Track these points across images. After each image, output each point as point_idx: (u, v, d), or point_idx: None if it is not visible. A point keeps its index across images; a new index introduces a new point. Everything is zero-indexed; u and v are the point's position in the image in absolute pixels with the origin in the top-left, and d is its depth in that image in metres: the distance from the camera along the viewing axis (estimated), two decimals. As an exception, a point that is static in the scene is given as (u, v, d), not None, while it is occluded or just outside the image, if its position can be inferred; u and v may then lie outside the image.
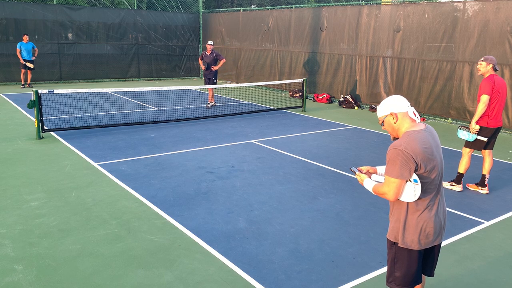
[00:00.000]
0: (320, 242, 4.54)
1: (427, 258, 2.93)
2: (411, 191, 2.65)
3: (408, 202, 2.72)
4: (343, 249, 4.41)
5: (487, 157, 6.18)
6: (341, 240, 4.61)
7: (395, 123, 2.75)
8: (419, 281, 2.86)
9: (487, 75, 5.91)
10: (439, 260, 4.22)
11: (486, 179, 6.17)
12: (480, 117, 5.94)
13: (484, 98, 5.80)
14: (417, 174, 2.63)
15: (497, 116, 5.94)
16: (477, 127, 5.96)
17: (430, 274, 3.00)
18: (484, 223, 5.16)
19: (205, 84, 12.71)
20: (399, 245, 2.79)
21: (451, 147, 8.83)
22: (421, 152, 2.59)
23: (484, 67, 5.91)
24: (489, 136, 6.01)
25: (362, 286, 3.76)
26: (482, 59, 5.94)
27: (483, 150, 6.19)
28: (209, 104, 12.69)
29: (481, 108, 5.84)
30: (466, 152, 6.22)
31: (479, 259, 4.31)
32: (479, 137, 6.02)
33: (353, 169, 3.08)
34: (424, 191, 2.68)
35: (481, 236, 4.82)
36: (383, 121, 2.83)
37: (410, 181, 2.64)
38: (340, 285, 3.77)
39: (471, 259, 4.30)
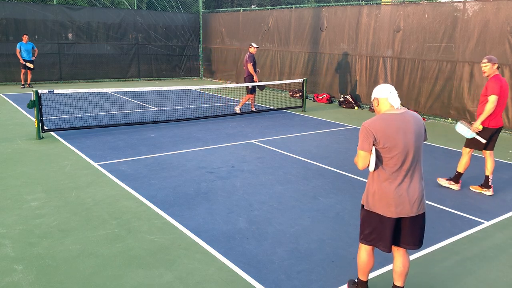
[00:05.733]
0: (320, 242, 4.54)
1: (400, 230, 3.27)
2: (372, 162, 3.14)
3: (373, 173, 3.21)
4: (343, 249, 4.41)
5: (489, 158, 6.15)
6: (341, 240, 4.61)
7: (377, 106, 3.30)
8: (386, 244, 3.24)
9: (492, 75, 5.89)
10: (439, 260, 4.24)
11: (490, 180, 6.11)
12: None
13: (493, 98, 5.74)
14: (376, 148, 3.12)
15: (498, 117, 5.93)
16: (481, 127, 5.90)
17: (407, 246, 3.30)
18: (484, 223, 5.16)
19: (255, 90, 11.85)
20: (365, 207, 3.32)
21: (450, 147, 8.83)
22: (381, 130, 3.09)
23: (490, 69, 5.85)
24: (487, 137, 5.99)
25: (362, 286, 3.76)
26: (486, 60, 5.86)
27: (484, 151, 6.17)
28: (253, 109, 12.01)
29: (489, 108, 5.76)
30: (466, 152, 6.19)
31: (479, 259, 4.31)
32: (478, 137, 5.97)
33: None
34: (385, 165, 3.13)
35: (481, 236, 4.81)
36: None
37: (372, 153, 3.12)
38: (340, 285, 3.77)
39: (471, 259, 4.30)
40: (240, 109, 11.71)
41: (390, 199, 3.14)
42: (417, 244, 3.32)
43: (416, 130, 3.15)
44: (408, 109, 3.39)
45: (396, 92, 3.30)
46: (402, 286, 3.43)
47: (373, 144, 3.11)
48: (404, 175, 3.14)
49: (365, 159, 3.14)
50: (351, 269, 4.01)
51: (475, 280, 3.93)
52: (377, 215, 3.22)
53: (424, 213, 3.29)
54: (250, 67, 11.47)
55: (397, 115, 3.17)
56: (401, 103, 3.09)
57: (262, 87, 11.94)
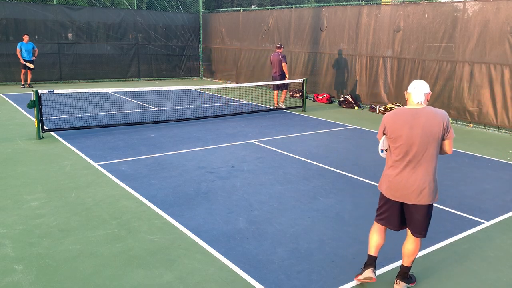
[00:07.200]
0: (320, 242, 4.54)
1: (406, 214, 3.62)
2: (379, 147, 3.63)
3: (386, 158, 3.63)
4: (343, 249, 4.41)
5: None
6: (341, 240, 4.61)
7: (407, 99, 3.56)
8: (394, 224, 3.64)
9: None
10: (439, 260, 4.24)
11: None
12: None
13: None
14: (386, 137, 3.54)
15: None
16: None
17: (411, 232, 3.63)
18: (484, 223, 5.16)
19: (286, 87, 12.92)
20: (378, 187, 3.73)
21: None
22: (390, 121, 3.48)
23: None
24: None
25: (362, 286, 3.76)
26: None
27: None
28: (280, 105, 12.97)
29: None
30: None
31: (479, 259, 4.31)
32: None
33: None
34: (392, 153, 3.52)
35: (481, 236, 4.81)
36: None
37: (380, 140, 3.59)
38: (340, 285, 3.77)
39: (471, 259, 4.30)
40: (283, 103, 12.92)
41: (391, 183, 3.53)
42: (418, 232, 3.59)
43: (425, 126, 3.36)
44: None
45: (423, 88, 3.45)
46: (407, 265, 3.71)
47: (384, 133, 3.54)
48: (405, 165, 3.45)
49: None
50: (351, 269, 4.02)
51: (475, 280, 3.93)
52: (383, 196, 3.64)
53: (425, 206, 3.49)
54: (285, 66, 12.47)
55: (410, 109, 3.44)
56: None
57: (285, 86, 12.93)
